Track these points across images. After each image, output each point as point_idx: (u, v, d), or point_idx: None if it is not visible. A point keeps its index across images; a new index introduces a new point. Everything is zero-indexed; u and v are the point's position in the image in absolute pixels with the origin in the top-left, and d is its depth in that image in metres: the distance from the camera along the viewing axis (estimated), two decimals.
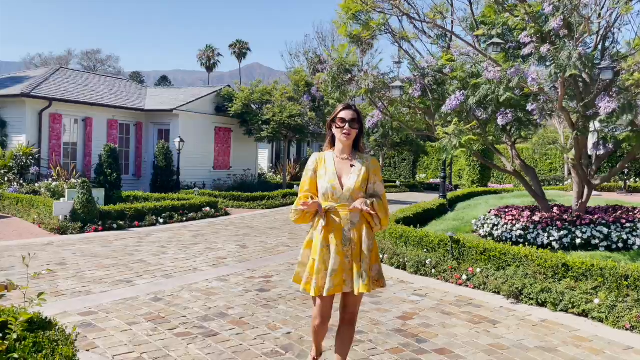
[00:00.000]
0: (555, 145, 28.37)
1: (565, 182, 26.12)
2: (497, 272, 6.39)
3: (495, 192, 21.06)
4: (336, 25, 8.32)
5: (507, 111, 7.05)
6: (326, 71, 7.48)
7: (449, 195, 17.00)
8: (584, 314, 5.38)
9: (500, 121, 7.11)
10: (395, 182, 29.15)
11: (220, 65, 77.26)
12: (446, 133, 6.99)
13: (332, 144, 3.35)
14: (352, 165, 3.23)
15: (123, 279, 6.42)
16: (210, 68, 76.14)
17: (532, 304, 5.73)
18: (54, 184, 13.92)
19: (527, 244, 8.06)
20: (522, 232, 8.26)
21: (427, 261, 7.02)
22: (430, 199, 18.46)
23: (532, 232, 8.15)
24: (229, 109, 19.48)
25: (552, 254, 6.14)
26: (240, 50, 74.03)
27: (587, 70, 6.14)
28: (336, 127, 3.23)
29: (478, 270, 6.52)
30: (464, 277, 6.54)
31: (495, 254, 6.53)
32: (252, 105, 19.65)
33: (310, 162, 3.32)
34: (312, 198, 3.24)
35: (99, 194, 13.35)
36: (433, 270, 6.91)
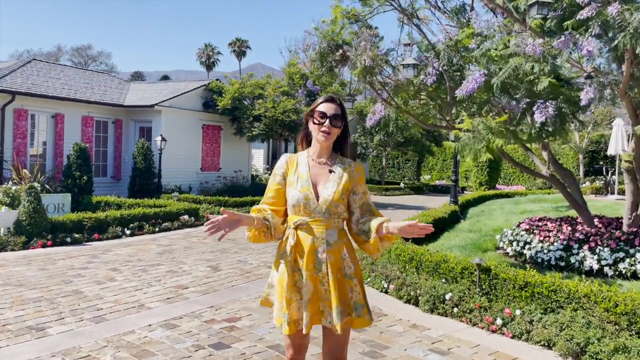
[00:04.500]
0: (569, 144, 26.63)
1: (582, 185, 24.35)
2: (544, 315, 4.68)
3: (507, 196, 19.37)
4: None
5: (548, 102, 5.31)
6: (315, 48, 5.78)
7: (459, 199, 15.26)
8: None
9: (537, 116, 5.34)
10: (399, 183, 27.42)
11: (220, 64, 75.95)
12: (468, 131, 5.28)
13: (308, 143, 2.76)
14: (331, 171, 2.64)
15: (35, 325, 4.72)
16: (209, 67, 74.73)
17: None
18: (14, 188, 12.25)
19: (570, 268, 6.36)
20: (562, 253, 6.55)
21: (447, 296, 5.30)
22: (438, 203, 16.73)
23: (577, 254, 6.44)
24: (218, 104, 17.79)
25: (625, 294, 4.43)
26: (240, 49, 72.49)
27: None
28: (314, 123, 2.63)
29: (517, 312, 4.81)
30: (499, 321, 4.83)
31: (542, 290, 4.82)
32: (244, 101, 17.95)
33: (278, 165, 2.72)
34: (264, 212, 2.61)
35: (64, 199, 11.74)
36: (455, 309, 5.20)
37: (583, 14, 4.67)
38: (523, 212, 12.77)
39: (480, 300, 5.11)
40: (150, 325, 4.77)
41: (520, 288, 4.97)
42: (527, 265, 6.74)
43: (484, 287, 5.25)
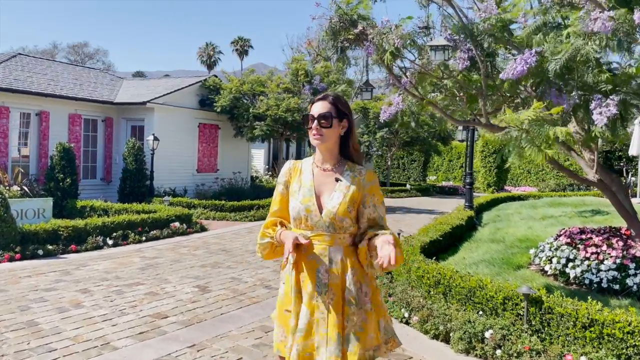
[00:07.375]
0: None
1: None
2: None
3: (520, 198, 18.29)
4: None
5: (612, 97, 4.22)
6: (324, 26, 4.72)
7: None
8: None
9: (597, 117, 4.23)
10: (405, 185, 26.35)
11: (222, 63, 75.30)
12: (525, 128, 4.19)
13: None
14: (337, 180, 2.34)
15: None
16: (210, 66, 73.90)
17: None
18: None
19: (626, 292, 5.30)
20: (616, 274, 5.49)
21: (487, 334, 4.24)
22: (449, 207, 15.68)
23: (635, 275, 5.38)
24: (216, 102, 16.75)
25: None
26: (242, 48, 71.58)
27: None
28: (307, 128, 2.38)
29: (582, 359, 3.75)
30: None
31: (614, 331, 3.76)
32: (244, 99, 16.89)
33: (281, 173, 2.47)
34: (282, 225, 2.41)
35: (45, 204, 10.71)
36: (498, 352, 4.13)
37: None
38: (544, 217, 11.68)
39: (530, 341, 4.05)
40: None
41: (583, 327, 3.91)
42: (573, 288, 5.69)
43: (533, 323, 4.19)
